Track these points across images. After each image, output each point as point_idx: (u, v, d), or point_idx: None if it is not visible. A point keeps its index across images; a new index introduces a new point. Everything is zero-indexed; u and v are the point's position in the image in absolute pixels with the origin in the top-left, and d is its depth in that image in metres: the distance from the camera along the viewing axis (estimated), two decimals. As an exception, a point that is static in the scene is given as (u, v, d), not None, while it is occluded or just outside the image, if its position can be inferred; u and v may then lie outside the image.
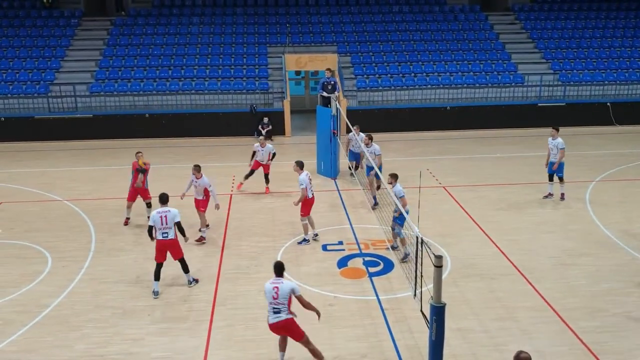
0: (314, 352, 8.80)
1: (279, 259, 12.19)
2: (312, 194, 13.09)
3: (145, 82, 24.53)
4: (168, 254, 10.97)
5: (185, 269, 11.25)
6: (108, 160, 20.41)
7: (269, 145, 16.59)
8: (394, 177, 11.92)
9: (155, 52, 26.02)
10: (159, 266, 10.95)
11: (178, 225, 10.83)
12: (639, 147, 21.10)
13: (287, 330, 8.64)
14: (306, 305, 8.68)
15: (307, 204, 13.01)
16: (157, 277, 10.93)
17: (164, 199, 10.98)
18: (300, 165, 13.17)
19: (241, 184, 16.81)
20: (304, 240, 13.13)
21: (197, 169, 13.34)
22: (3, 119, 22.79)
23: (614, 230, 13.64)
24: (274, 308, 8.51)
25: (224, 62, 25.81)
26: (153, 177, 16.91)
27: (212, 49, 26.48)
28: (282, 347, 8.94)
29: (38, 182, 17.60)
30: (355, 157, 17.22)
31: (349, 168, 17.73)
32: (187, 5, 28.84)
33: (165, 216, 10.69)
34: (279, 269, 8.67)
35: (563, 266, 11.98)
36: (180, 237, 10.99)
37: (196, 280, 11.41)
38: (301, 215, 13.05)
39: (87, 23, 27.66)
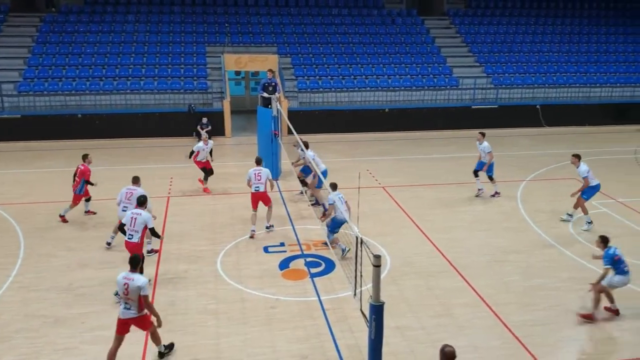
0: (155, 336, 8.83)
1: (218, 262, 12.14)
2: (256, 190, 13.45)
3: (78, 81, 23.72)
4: None
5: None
6: (38, 163, 19.59)
7: (210, 141, 16.80)
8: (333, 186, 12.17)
9: (88, 51, 25.21)
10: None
11: (151, 230, 10.62)
12: (566, 147, 22.08)
13: (136, 325, 8.55)
14: (147, 307, 8.45)
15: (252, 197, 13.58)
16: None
17: (141, 201, 10.76)
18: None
19: (206, 188, 16.63)
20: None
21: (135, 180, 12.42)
22: None
23: (543, 228, 14.23)
24: (125, 304, 8.39)
25: (160, 61, 25.29)
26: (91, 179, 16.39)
27: (149, 47, 25.89)
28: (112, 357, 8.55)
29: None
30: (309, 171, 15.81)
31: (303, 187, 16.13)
32: (122, 2, 28.10)
33: (135, 218, 10.51)
34: (133, 263, 8.46)
35: (496, 263, 12.41)
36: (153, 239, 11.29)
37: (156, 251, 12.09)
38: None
39: (15, 19, 26.51)
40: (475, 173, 16.38)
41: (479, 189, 16.41)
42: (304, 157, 15.54)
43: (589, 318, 10.16)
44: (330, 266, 12.05)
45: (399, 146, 22.34)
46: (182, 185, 17.09)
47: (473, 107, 25.55)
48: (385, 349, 7.76)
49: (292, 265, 12.18)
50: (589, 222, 14.21)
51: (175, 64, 25.26)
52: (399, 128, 24.40)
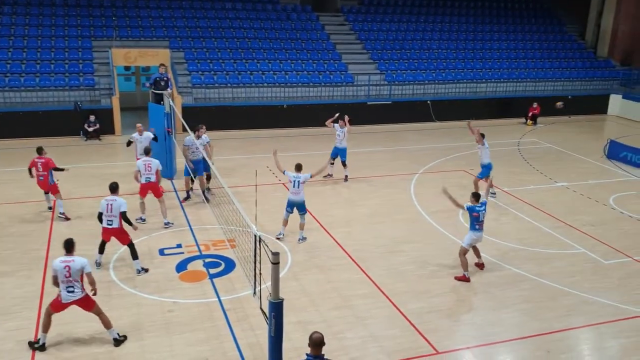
0: (104, 320, 9.10)
1: (110, 267, 11.59)
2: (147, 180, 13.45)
3: (-52, 77, 21.73)
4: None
5: (134, 255, 11.39)
6: None
7: (148, 133, 15.41)
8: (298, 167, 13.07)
9: (-41, 44, 23.15)
10: (103, 242, 11.47)
11: (123, 215, 11.08)
12: (455, 140, 23.27)
13: (80, 305, 8.92)
14: (91, 282, 8.92)
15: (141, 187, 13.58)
16: (101, 250, 11.55)
17: (113, 187, 11.30)
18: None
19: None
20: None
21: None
22: None
23: (435, 218, 14.88)
24: (68, 287, 8.73)
25: (42, 56, 23.70)
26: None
27: (28, 42, 24.18)
28: (48, 326, 8.98)
29: None
30: (201, 166, 15.23)
31: (192, 183, 15.57)
32: (-4, -7, 26.03)
33: (111, 205, 10.97)
34: (69, 246, 8.88)
35: (391, 253, 12.81)
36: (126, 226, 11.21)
37: (145, 270, 11.51)
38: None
39: None
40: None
41: (329, 174, 17.70)
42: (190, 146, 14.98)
43: (463, 280, 11.59)
44: (230, 266, 11.89)
45: (298, 142, 22.45)
46: (68, 188, 16.12)
47: (368, 103, 26.20)
48: (286, 345, 7.77)
49: (190, 266, 11.88)
50: (493, 194, 15.83)
51: (58, 60, 23.77)
52: (296, 124, 24.51)
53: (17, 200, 14.91)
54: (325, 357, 6.61)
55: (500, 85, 29.11)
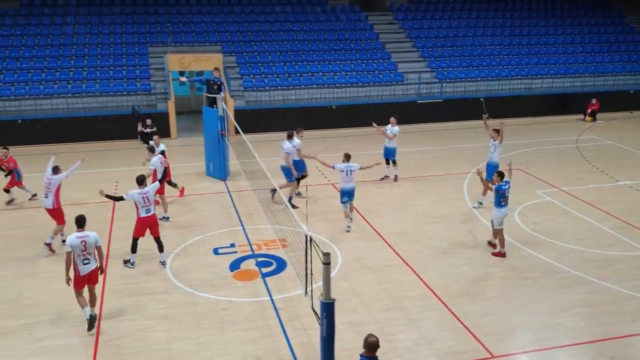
0: (94, 296, 9.83)
1: (168, 266, 11.94)
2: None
3: (17, 85, 22.85)
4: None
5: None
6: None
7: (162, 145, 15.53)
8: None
9: (27, 54, 24.30)
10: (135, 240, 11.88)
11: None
12: (509, 138, 22.68)
13: (92, 276, 9.64)
14: (101, 255, 9.74)
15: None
16: (134, 250, 11.89)
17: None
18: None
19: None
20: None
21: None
22: None
23: (490, 218, 14.58)
24: (85, 260, 9.46)
25: (102, 63, 24.62)
26: (31, 186, 15.81)
27: (89, 49, 25.17)
28: (85, 301, 9.64)
29: None
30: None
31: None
32: (60, 4, 27.19)
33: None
34: (81, 221, 9.57)
35: (444, 255, 12.66)
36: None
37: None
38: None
39: (-56, 22, 25.28)
40: (387, 161, 17.48)
41: (385, 175, 17.55)
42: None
43: (500, 255, 12.43)
44: (281, 265, 12.04)
45: (348, 143, 22.41)
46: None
47: (418, 101, 25.95)
48: (338, 345, 7.81)
49: (243, 266, 12.10)
50: (481, 203, 15.32)
51: (117, 66, 24.64)
52: (346, 124, 24.54)
53: (78, 201, 15.52)
54: (379, 359, 6.64)
55: (557, 80, 28.26)
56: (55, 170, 12.63)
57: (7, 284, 11.31)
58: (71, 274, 9.51)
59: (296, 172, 15.23)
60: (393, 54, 27.89)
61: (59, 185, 12.64)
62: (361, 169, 13.91)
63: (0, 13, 26.18)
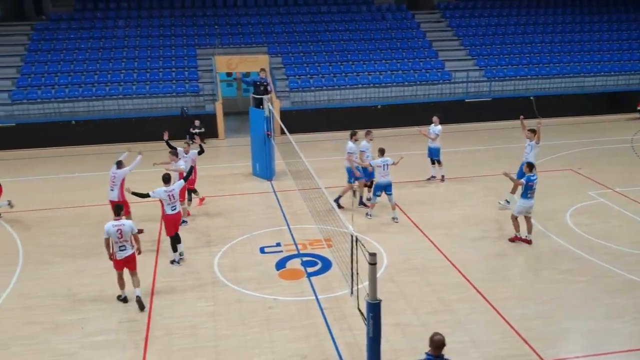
0: (137, 278, 10.52)
1: (215, 264, 12.13)
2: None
3: (70, 87, 23.65)
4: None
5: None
6: (33, 170, 19.55)
7: (193, 151, 15.03)
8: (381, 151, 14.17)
9: (80, 57, 25.13)
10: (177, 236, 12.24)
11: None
12: (561, 138, 22.15)
13: (130, 262, 10.38)
14: (137, 240, 10.45)
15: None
16: (175, 248, 12.25)
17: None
18: None
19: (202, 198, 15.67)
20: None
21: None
22: None
23: (540, 220, 14.20)
24: (121, 246, 10.19)
25: (152, 65, 25.22)
26: (85, 185, 16.34)
27: (140, 52, 25.83)
28: (122, 284, 10.57)
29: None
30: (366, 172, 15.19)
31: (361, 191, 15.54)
32: (112, 8, 28.01)
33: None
34: (118, 210, 10.37)
35: (493, 257, 12.40)
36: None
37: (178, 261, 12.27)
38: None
39: (6, 28, 26.41)
40: (432, 161, 17.29)
41: (432, 175, 17.36)
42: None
43: (517, 240, 12.85)
44: (326, 265, 12.04)
45: (393, 142, 22.23)
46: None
47: (466, 100, 25.55)
48: (385, 346, 7.76)
49: (289, 265, 12.17)
50: (508, 202, 14.95)
51: (166, 68, 25.20)
52: (392, 124, 24.38)
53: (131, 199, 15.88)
54: (445, 357, 6.57)
55: (610, 78, 27.32)
56: (119, 165, 13.20)
57: (61, 279, 11.70)
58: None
59: (361, 175, 14.90)
60: (440, 53, 27.55)
61: (124, 179, 13.15)
62: (393, 164, 14.17)
63: (54, 18, 27.17)
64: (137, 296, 10.45)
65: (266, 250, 12.88)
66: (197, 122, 22.88)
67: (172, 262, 12.27)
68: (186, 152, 14.81)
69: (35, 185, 18.01)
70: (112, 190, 13.16)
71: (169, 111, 23.51)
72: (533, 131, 14.89)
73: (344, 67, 26.02)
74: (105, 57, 25.28)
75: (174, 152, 14.23)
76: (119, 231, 10.11)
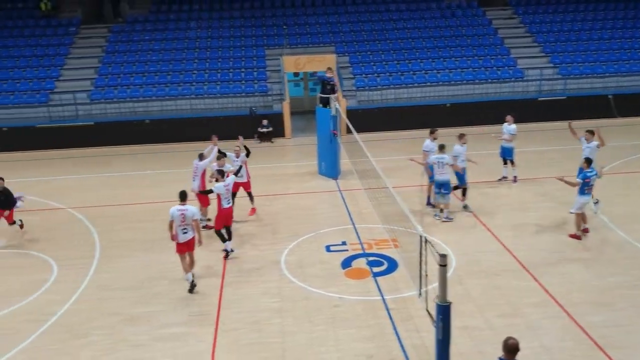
0: (192, 262, 11.21)
1: (282, 261, 12.28)
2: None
3: (145, 87, 24.56)
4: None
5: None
6: (109, 168, 20.45)
7: (242, 154, 14.69)
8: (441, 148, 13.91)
9: (154, 58, 26.05)
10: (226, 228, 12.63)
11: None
12: (632, 140, 21.05)
13: (190, 245, 11.00)
14: (197, 227, 11.00)
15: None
16: (223, 239, 12.59)
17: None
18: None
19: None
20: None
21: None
22: (5, 129, 22.83)
23: (617, 223, 13.54)
24: (183, 229, 10.80)
25: (222, 65, 25.82)
26: (159, 181, 16.93)
27: (211, 52, 26.50)
28: (187, 268, 11.11)
29: (40, 191, 17.61)
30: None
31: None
32: (184, 10, 28.87)
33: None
34: (183, 196, 10.92)
35: (567, 261, 11.92)
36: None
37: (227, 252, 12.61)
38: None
39: (85, 31, 27.72)
40: (505, 161, 16.79)
41: (503, 176, 16.96)
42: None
43: (575, 237, 12.70)
44: (392, 265, 11.95)
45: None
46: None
47: (539, 99, 24.69)
48: (452, 349, 7.61)
49: (354, 264, 12.16)
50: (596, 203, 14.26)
51: (236, 68, 25.73)
52: (461, 123, 23.81)
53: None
54: None
55: (698, 75, 25.68)
56: (201, 157, 14.01)
57: (135, 272, 12.17)
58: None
59: (433, 175, 14.46)
60: (512, 50, 26.77)
61: (204, 171, 13.91)
62: (451, 165, 13.82)
63: (130, 20, 28.31)
64: (190, 279, 11.09)
65: (332, 248, 12.92)
66: (265, 122, 23.25)
67: (226, 254, 12.59)
68: (237, 156, 14.62)
69: (111, 181, 18.83)
70: (194, 180, 13.91)
71: (238, 111, 24.00)
72: (592, 132, 14.21)
73: (412, 65, 25.73)
74: (178, 58, 26.09)
75: (221, 156, 14.01)
76: (182, 215, 10.77)
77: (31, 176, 19.34)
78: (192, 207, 11.02)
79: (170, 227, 10.98)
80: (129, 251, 13.24)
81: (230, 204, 12.67)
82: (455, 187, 14.59)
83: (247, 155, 14.85)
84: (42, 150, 22.71)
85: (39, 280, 11.92)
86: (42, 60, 25.81)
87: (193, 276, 11.17)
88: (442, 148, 13.85)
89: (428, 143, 14.68)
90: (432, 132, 14.96)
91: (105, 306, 10.84)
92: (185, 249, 11.07)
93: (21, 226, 14.32)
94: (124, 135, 23.22)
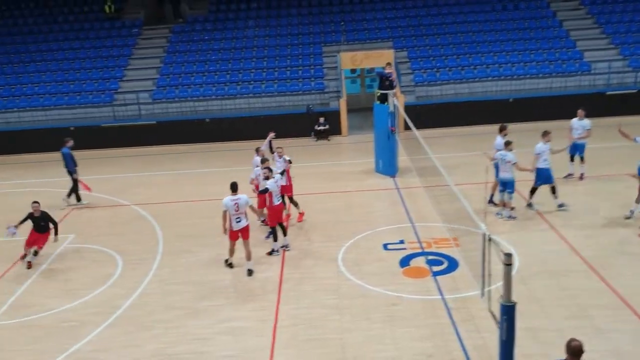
0: (249, 251, 11.77)
1: (339, 258, 12.25)
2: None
3: (205, 87, 25.05)
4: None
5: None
6: (171, 165, 20.97)
7: (285, 156, 14.26)
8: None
9: (213, 57, 26.53)
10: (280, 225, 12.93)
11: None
12: None
13: (244, 232, 11.62)
14: (254, 211, 11.99)
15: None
16: (276, 238, 12.80)
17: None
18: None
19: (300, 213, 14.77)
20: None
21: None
22: (72, 128, 23.79)
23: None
24: (237, 218, 11.41)
25: (280, 64, 26.01)
26: (221, 179, 17.15)
27: (268, 51, 26.75)
28: (233, 252, 11.94)
29: (106, 188, 18.25)
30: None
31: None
32: (242, 9, 29.26)
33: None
34: (234, 187, 11.52)
35: (639, 261, 11.36)
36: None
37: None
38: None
39: (148, 32, 28.52)
40: (572, 157, 16.31)
41: (569, 173, 16.44)
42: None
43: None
44: (453, 265, 11.71)
45: (525, 138, 21.10)
46: (301, 184, 17.42)
47: (608, 92, 23.64)
48: (516, 351, 7.37)
49: (413, 263, 11.98)
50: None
51: (293, 66, 25.87)
52: (525, 118, 23.14)
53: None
54: None
55: None
56: (257, 151, 14.23)
57: (198, 267, 12.43)
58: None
59: (539, 180, 14.04)
60: (578, 42, 25.73)
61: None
62: (514, 164, 13.33)
63: (190, 20, 28.93)
64: (249, 269, 11.80)
65: (389, 247, 12.79)
66: (321, 119, 23.28)
67: (272, 252, 12.61)
68: (279, 156, 14.29)
69: (174, 178, 19.31)
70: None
71: (296, 109, 24.11)
72: None
73: (472, 60, 25.16)
74: (237, 57, 26.48)
75: (265, 159, 13.52)
76: (236, 204, 11.35)
77: (96, 174, 20.04)
78: (244, 196, 11.51)
79: (224, 217, 11.47)
80: (192, 246, 13.53)
81: (281, 201, 12.89)
82: (552, 188, 14.04)
83: (290, 162, 14.30)
84: (107, 148, 23.55)
85: (104, 274, 12.35)
86: (106, 61, 26.75)
87: (248, 264, 11.77)
88: (507, 144, 13.51)
89: (499, 140, 14.19)
90: (502, 129, 14.48)
91: (169, 300, 11.11)
92: (239, 236, 11.63)
93: (29, 266, 12.86)
94: (185, 134, 23.76)
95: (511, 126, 21.47)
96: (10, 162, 23.02)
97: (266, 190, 12.32)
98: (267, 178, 12.52)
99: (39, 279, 12.38)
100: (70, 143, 16.86)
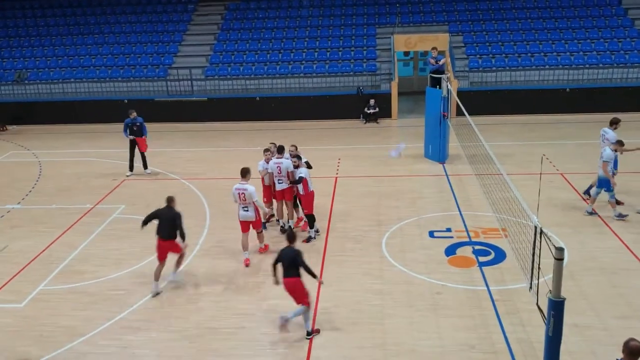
0: (261, 237, 11.87)
1: (383, 243, 12.18)
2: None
3: (257, 65, 25.14)
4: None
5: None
6: (220, 142, 21.23)
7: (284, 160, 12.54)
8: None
9: (266, 36, 26.56)
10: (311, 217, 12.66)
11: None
12: None
13: (253, 225, 11.47)
14: (260, 208, 11.52)
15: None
16: (312, 225, 12.68)
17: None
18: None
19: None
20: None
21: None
22: (126, 101, 24.32)
23: None
24: (244, 207, 11.20)
25: (332, 44, 25.83)
26: (261, 158, 17.29)
27: (321, 31, 26.59)
28: (246, 246, 11.55)
29: (157, 161, 18.62)
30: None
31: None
32: (297, -12, 29.09)
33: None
34: (244, 173, 11.18)
35: (699, 264, 10.89)
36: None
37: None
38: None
39: (203, 9, 28.74)
40: None
41: None
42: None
43: None
44: (500, 256, 11.48)
45: (581, 129, 20.51)
46: (348, 167, 17.40)
47: (674, 86, 22.57)
48: (562, 347, 7.20)
49: (459, 252, 11.80)
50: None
51: (346, 47, 25.65)
52: (582, 109, 22.37)
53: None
54: None
55: None
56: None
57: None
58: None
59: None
60: (643, 32, 24.60)
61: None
62: (604, 165, 12.58)
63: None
64: (289, 226, 12.41)
65: (436, 234, 12.63)
66: (372, 102, 23.08)
67: (309, 239, 12.48)
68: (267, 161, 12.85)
69: (222, 155, 19.54)
70: None
71: (346, 90, 23.96)
72: None
73: (530, 47, 24.39)
74: (290, 36, 26.43)
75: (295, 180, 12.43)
76: (242, 194, 11.11)
77: (148, 147, 20.46)
78: (251, 187, 11.14)
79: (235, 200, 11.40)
80: (236, 224, 13.56)
81: (312, 188, 12.39)
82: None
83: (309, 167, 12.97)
84: (159, 122, 23.96)
85: (151, 245, 12.60)
86: (162, 36, 27.17)
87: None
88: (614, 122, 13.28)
89: (612, 134, 13.42)
90: (613, 123, 13.62)
91: (214, 275, 11.30)
92: (248, 228, 11.45)
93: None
94: (235, 111, 23.97)
95: (566, 117, 20.68)
96: (67, 132, 23.75)
97: (300, 179, 12.04)
98: (297, 167, 12.23)
99: (88, 247, 12.78)
100: (133, 115, 17.31)
